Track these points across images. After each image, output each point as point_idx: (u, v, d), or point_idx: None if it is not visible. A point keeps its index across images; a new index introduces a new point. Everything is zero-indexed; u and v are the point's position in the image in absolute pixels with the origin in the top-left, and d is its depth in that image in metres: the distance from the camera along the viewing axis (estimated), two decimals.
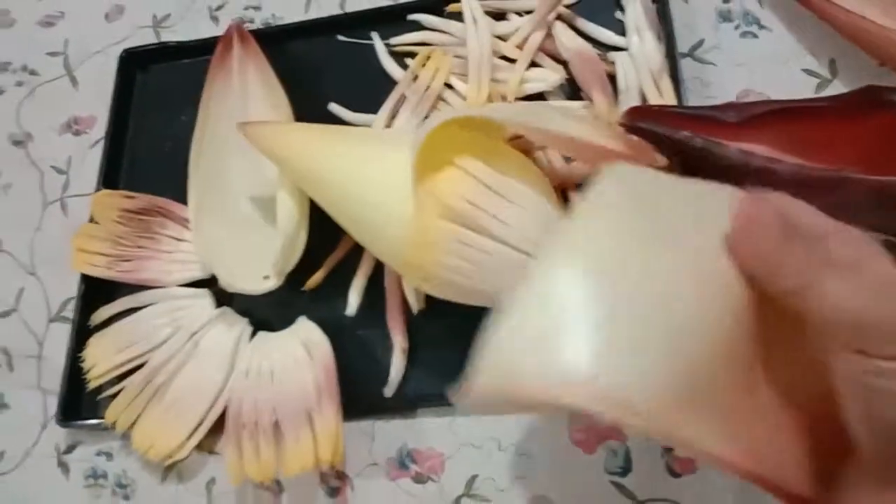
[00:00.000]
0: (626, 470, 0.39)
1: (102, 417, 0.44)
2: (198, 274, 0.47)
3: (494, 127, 0.39)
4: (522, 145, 0.43)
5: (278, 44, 0.53)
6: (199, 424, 0.42)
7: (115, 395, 0.44)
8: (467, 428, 0.41)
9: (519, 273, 0.35)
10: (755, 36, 0.47)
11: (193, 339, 0.44)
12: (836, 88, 0.45)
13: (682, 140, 0.40)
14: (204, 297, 0.46)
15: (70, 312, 0.48)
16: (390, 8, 0.52)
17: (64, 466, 0.45)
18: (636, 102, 0.45)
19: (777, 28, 0.47)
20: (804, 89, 0.45)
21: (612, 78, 0.46)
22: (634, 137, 0.39)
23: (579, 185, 0.44)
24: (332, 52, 0.53)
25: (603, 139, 0.37)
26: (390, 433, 0.42)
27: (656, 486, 0.38)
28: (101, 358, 0.45)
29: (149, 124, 0.54)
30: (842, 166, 0.37)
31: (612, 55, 0.46)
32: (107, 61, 0.57)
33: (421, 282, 0.38)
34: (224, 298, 0.46)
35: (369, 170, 0.38)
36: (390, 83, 0.50)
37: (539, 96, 0.47)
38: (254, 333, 0.45)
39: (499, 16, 0.50)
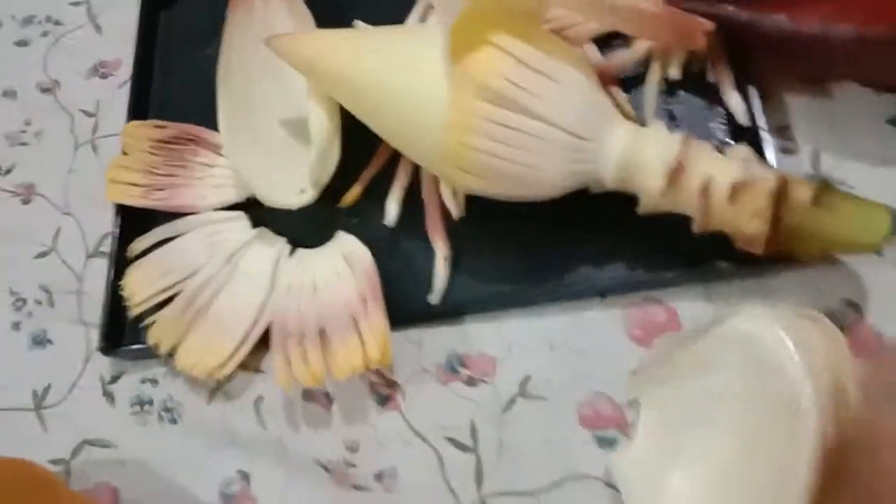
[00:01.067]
0: None
1: (145, 343, 0.43)
2: (232, 197, 0.46)
3: (534, 10, 0.38)
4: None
5: None
6: (244, 341, 0.41)
7: (155, 323, 0.43)
8: (517, 330, 0.40)
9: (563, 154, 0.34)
10: None
11: (232, 261, 0.44)
12: None
13: (727, 16, 0.38)
14: (240, 219, 0.45)
15: (107, 247, 0.48)
16: None
17: (109, 396, 0.44)
18: None
19: None
20: None
21: None
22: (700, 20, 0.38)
23: (617, 80, 0.43)
24: None
25: (648, 4, 0.36)
26: (438, 340, 0.40)
27: None
28: (140, 286, 0.44)
29: (174, 60, 0.54)
30: None
31: None
32: (129, 5, 0.56)
33: (461, 174, 0.37)
34: (261, 220, 0.45)
35: (400, 62, 0.37)
36: None
37: None
38: (292, 252, 0.44)
39: None
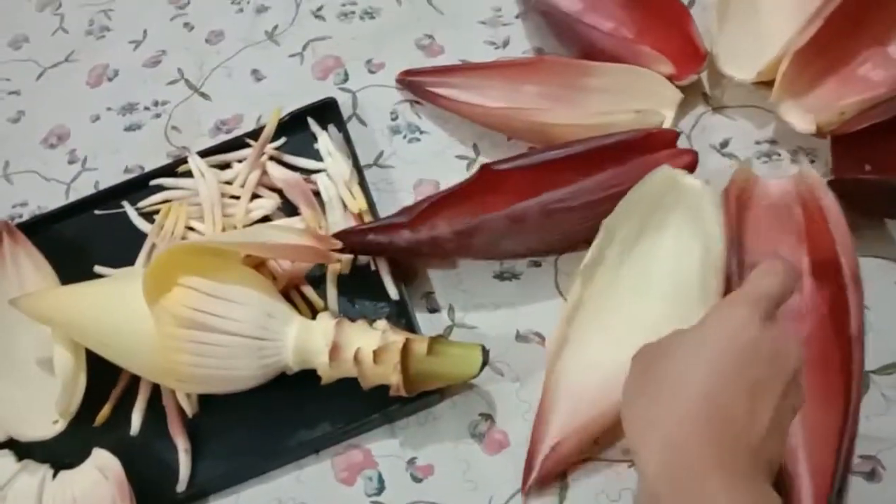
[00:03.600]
0: (381, 489, 0.48)
1: None
2: None
3: (223, 250, 0.50)
4: (255, 259, 0.54)
5: (46, 229, 0.62)
6: None
7: None
8: (253, 497, 0.49)
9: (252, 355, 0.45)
10: (419, 140, 0.62)
11: (0, 495, 0.50)
12: (482, 163, 0.59)
13: (372, 242, 0.52)
14: (5, 456, 0.51)
15: None
16: (134, 179, 0.63)
17: None
18: (339, 209, 0.57)
19: (433, 130, 0.62)
20: (459, 170, 0.59)
21: (317, 194, 0.58)
22: (332, 239, 0.52)
23: (306, 279, 0.55)
24: (92, 225, 0.62)
25: (297, 240, 0.49)
26: None
27: (406, 494, 0.47)
28: None
29: None
30: (478, 215, 0.51)
31: (315, 177, 0.59)
32: None
33: (179, 384, 0.47)
34: (26, 452, 0.52)
35: (116, 304, 0.48)
36: (144, 238, 0.60)
37: (265, 219, 0.58)
38: (56, 475, 0.51)
39: (224, 166, 0.62)
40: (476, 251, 0.54)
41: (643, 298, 0.48)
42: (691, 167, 0.50)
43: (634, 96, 0.56)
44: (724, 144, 0.55)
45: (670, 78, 0.56)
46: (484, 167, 0.53)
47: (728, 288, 0.45)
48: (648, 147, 0.52)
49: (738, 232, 0.48)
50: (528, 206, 0.50)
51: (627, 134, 0.52)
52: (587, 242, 0.49)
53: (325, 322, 0.48)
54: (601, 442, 0.45)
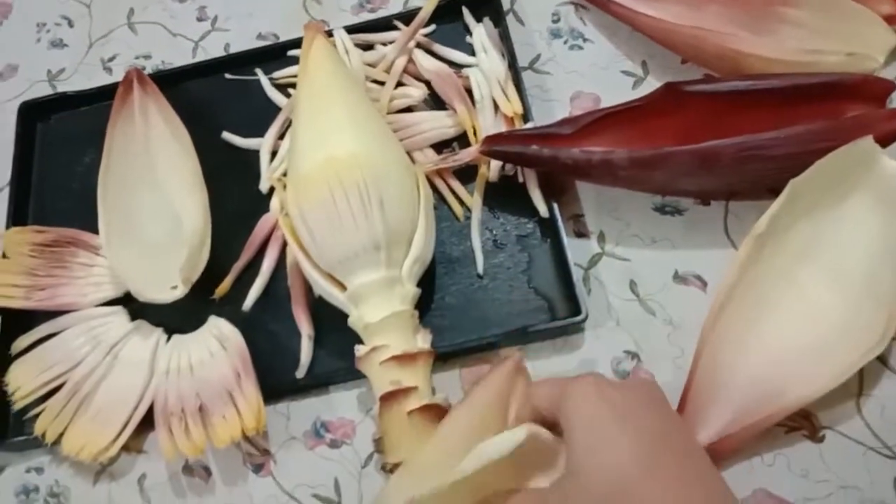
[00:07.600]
0: None
1: (30, 434, 0.46)
2: (111, 293, 0.51)
3: None
4: None
5: (172, 86, 0.58)
6: (127, 424, 0.45)
7: (41, 414, 0.47)
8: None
9: None
10: (581, 48, 0.56)
11: (113, 352, 0.48)
12: (650, 84, 0.54)
13: (533, 154, 0.47)
14: (119, 314, 0.50)
15: None
16: (270, 46, 0.59)
17: None
18: (490, 111, 0.53)
19: (598, 39, 0.57)
20: (624, 87, 0.54)
21: (468, 91, 0.54)
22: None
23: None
24: (221, 90, 0.59)
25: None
26: (305, 410, 0.47)
27: None
28: (24, 380, 0.48)
29: (53, 168, 0.58)
30: (663, 145, 0.46)
31: (466, 71, 0.55)
32: (4, 116, 0.61)
33: None
34: (138, 313, 0.50)
35: None
36: (276, 111, 0.56)
37: (407, 109, 0.54)
38: (168, 339, 0.49)
39: (367, 47, 0.57)
40: (651, 185, 0.49)
41: (809, 276, 0.44)
42: None
43: (838, 36, 0.50)
44: None
45: (887, 19, 0.49)
46: (669, 85, 0.48)
47: None
48: (856, 95, 0.46)
49: None
50: (722, 146, 0.44)
51: (837, 76, 0.46)
52: (771, 192, 0.44)
53: None
54: None
